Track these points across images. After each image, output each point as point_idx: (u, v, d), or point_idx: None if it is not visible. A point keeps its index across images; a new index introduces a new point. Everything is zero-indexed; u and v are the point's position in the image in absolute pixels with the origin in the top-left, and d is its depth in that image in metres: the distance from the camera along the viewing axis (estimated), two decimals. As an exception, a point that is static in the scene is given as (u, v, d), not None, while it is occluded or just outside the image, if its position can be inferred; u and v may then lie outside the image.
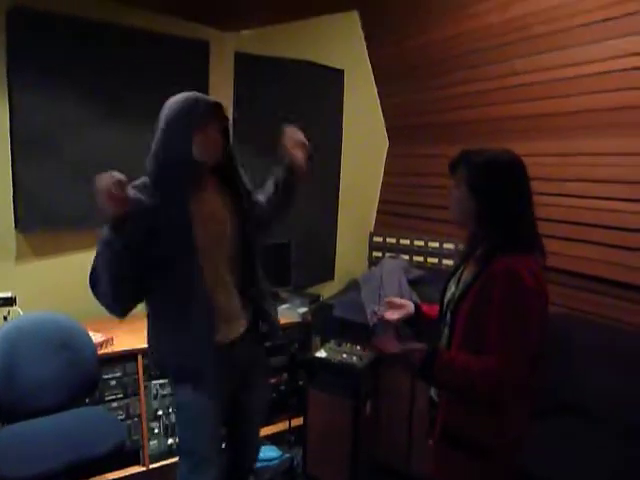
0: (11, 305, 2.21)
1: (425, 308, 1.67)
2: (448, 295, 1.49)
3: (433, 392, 1.52)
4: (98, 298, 1.57)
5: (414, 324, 1.66)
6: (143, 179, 1.60)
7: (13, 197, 2.40)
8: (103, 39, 2.53)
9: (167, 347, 1.64)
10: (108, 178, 1.38)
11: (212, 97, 1.59)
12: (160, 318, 1.65)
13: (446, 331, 1.43)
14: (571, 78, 2.35)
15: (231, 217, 1.68)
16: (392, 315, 1.64)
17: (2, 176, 2.38)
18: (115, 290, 1.52)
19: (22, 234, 2.46)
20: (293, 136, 1.74)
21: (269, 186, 1.82)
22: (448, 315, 1.43)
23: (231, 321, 1.69)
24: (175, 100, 1.56)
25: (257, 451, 1.98)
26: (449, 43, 2.86)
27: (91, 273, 1.56)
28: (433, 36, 2.95)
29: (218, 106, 1.58)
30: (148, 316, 1.69)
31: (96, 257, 1.52)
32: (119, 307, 1.59)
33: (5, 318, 2.19)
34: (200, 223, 1.58)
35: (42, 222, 2.45)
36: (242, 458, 1.89)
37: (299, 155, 1.74)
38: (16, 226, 2.43)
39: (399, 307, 1.65)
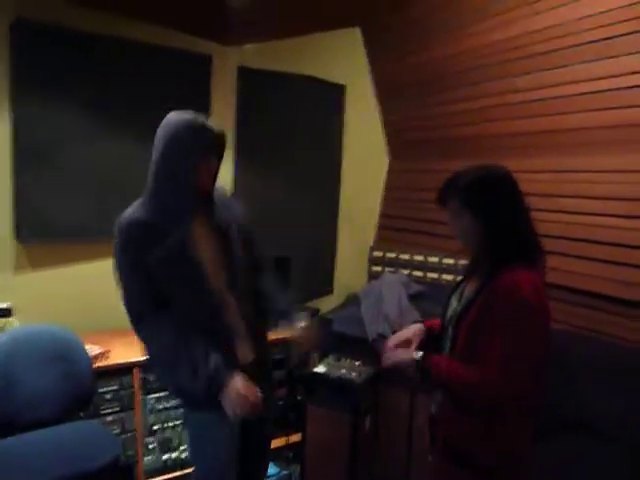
0: (8, 316, 2.20)
1: (433, 325, 1.63)
2: (450, 311, 1.49)
3: (433, 408, 1.50)
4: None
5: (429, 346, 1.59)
6: (139, 207, 1.52)
7: (13, 208, 2.40)
8: (106, 52, 2.55)
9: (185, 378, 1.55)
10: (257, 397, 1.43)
11: (215, 126, 1.52)
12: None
13: (448, 345, 1.42)
14: (570, 96, 2.37)
15: (223, 241, 1.62)
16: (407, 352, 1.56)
17: (2, 187, 2.38)
18: None
19: (21, 245, 2.45)
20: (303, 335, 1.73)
21: (270, 295, 1.77)
22: (450, 330, 1.42)
23: (238, 346, 1.63)
24: (179, 126, 1.46)
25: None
26: (450, 60, 2.89)
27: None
28: (434, 53, 2.98)
29: (222, 137, 1.54)
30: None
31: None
32: None
33: (1, 329, 2.17)
34: (204, 251, 1.56)
35: (41, 233, 2.44)
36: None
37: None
38: (15, 237, 2.42)
39: (408, 342, 1.58)
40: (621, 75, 2.14)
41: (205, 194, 1.58)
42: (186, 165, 1.45)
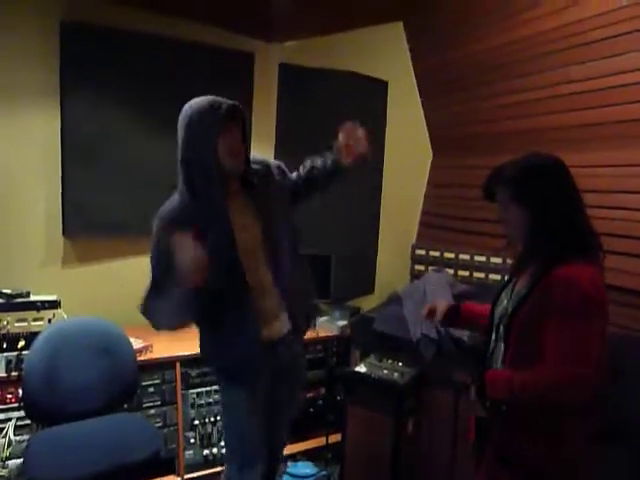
0: (56, 308, 2.25)
1: (467, 307, 1.65)
2: (500, 309, 1.42)
3: (481, 411, 1.42)
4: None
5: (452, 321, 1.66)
6: (175, 198, 1.62)
7: (62, 203, 2.46)
8: (151, 51, 2.59)
9: (215, 350, 1.73)
10: (193, 249, 1.38)
11: (228, 100, 1.58)
12: (206, 323, 1.71)
13: (501, 346, 1.35)
14: (630, 85, 2.22)
15: (258, 223, 1.68)
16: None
17: (53, 183, 2.45)
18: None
19: (69, 240, 2.51)
20: (352, 133, 1.75)
21: (313, 163, 1.83)
22: (501, 329, 1.35)
23: (273, 321, 1.72)
24: (187, 109, 1.56)
25: (282, 451, 2.05)
26: (498, 52, 2.78)
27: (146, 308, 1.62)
28: (480, 46, 2.87)
29: (237, 108, 1.57)
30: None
31: (154, 305, 1.57)
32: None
33: (50, 321, 2.22)
34: (236, 232, 1.61)
35: (87, 229, 2.50)
36: (270, 456, 1.92)
37: (354, 151, 1.75)
38: (64, 232, 2.48)
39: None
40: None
41: (235, 170, 1.60)
42: (202, 143, 1.50)
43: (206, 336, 1.76)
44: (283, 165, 1.83)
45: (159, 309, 1.55)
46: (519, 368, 1.28)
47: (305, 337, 1.93)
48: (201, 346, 1.78)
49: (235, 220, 1.61)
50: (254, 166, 1.70)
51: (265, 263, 1.68)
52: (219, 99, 1.56)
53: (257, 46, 2.95)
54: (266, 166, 1.75)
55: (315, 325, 1.95)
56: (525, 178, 1.30)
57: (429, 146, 3.58)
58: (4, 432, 2.06)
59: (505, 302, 1.40)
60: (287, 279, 1.71)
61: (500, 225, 1.40)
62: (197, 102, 1.55)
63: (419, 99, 3.49)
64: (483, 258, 2.96)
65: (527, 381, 1.24)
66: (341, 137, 1.74)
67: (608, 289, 1.28)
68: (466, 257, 3.03)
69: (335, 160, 1.76)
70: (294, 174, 1.85)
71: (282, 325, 1.74)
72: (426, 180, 3.59)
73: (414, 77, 3.45)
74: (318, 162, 1.81)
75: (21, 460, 1.99)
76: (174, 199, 1.62)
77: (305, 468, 2.58)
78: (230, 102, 1.55)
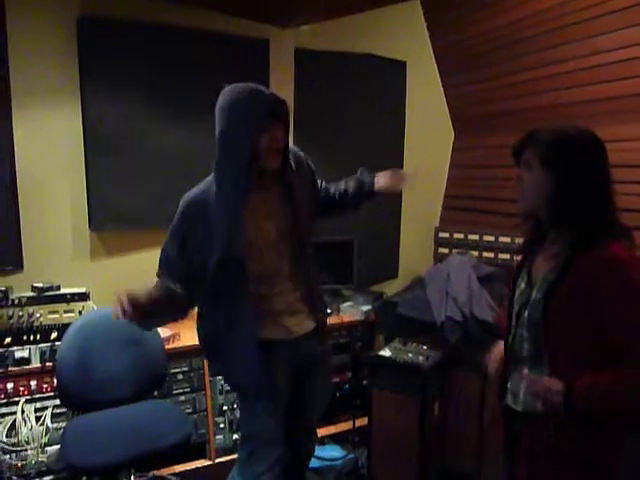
0: (85, 300, 2.31)
1: None
2: (517, 294, 1.35)
3: (510, 401, 1.37)
4: None
5: None
6: (208, 179, 1.59)
7: (87, 198, 2.52)
8: (167, 41, 2.59)
9: (218, 348, 1.71)
10: (122, 300, 1.40)
11: (274, 92, 1.51)
12: (209, 319, 1.70)
13: (523, 334, 1.30)
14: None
15: (286, 213, 1.65)
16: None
17: (77, 177, 2.49)
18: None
19: (95, 233, 2.57)
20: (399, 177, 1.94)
21: (347, 184, 1.91)
22: (525, 317, 1.29)
23: (295, 317, 1.69)
24: (233, 94, 1.45)
25: (313, 445, 1.98)
26: (518, 25, 2.69)
27: None
28: (501, 19, 2.78)
29: (283, 104, 1.49)
30: (199, 315, 1.74)
31: None
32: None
33: (80, 312, 2.29)
34: (256, 223, 1.57)
35: (113, 221, 2.55)
36: (298, 450, 1.90)
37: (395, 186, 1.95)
38: (90, 225, 2.54)
39: None
40: None
41: (273, 167, 1.52)
42: (244, 134, 1.40)
43: (203, 330, 1.76)
44: (311, 162, 1.82)
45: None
46: (564, 359, 1.21)
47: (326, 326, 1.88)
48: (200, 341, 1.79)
49: (260, 210, 1.58)
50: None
51: (287, 254, 1.64)
52: (262, 90, 1.46)
53: (271, 32, 2.92)
54: (298, 157, 1.71)
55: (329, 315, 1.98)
56: (559, 143, 1.24)
57: (451, 127, 3.51)
58: (42, 420, 2.15)
59: (523, 286, 1.34)
60: (309, 272, 1.69)
61: (515, 186, 1.32)
62: (239, 91, 1.44)
63: (439, 78, 3.42)
64: (508, 239, 2.91)
65: (621, 380, 1.16)
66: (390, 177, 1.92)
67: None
68: (490, 238, 2.98)
69: (369, 183, 1.91)
70: (329, 185, 1.91)
71: (305, 319, 1.71)
72: (448, 161, 3.53)
73: (433, 56, 3.38)
74: (351, 183, 1.93)
75: (58, 446, 2.07)
76: (206, 181, 1.58)
77: (333, 451, 2.61)
78: (275, 96, 1.47)
